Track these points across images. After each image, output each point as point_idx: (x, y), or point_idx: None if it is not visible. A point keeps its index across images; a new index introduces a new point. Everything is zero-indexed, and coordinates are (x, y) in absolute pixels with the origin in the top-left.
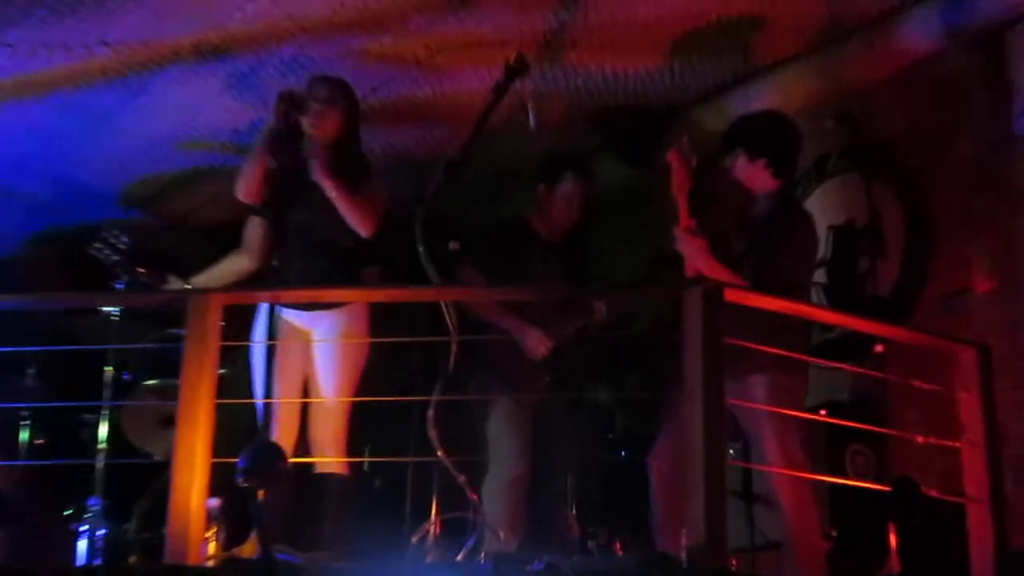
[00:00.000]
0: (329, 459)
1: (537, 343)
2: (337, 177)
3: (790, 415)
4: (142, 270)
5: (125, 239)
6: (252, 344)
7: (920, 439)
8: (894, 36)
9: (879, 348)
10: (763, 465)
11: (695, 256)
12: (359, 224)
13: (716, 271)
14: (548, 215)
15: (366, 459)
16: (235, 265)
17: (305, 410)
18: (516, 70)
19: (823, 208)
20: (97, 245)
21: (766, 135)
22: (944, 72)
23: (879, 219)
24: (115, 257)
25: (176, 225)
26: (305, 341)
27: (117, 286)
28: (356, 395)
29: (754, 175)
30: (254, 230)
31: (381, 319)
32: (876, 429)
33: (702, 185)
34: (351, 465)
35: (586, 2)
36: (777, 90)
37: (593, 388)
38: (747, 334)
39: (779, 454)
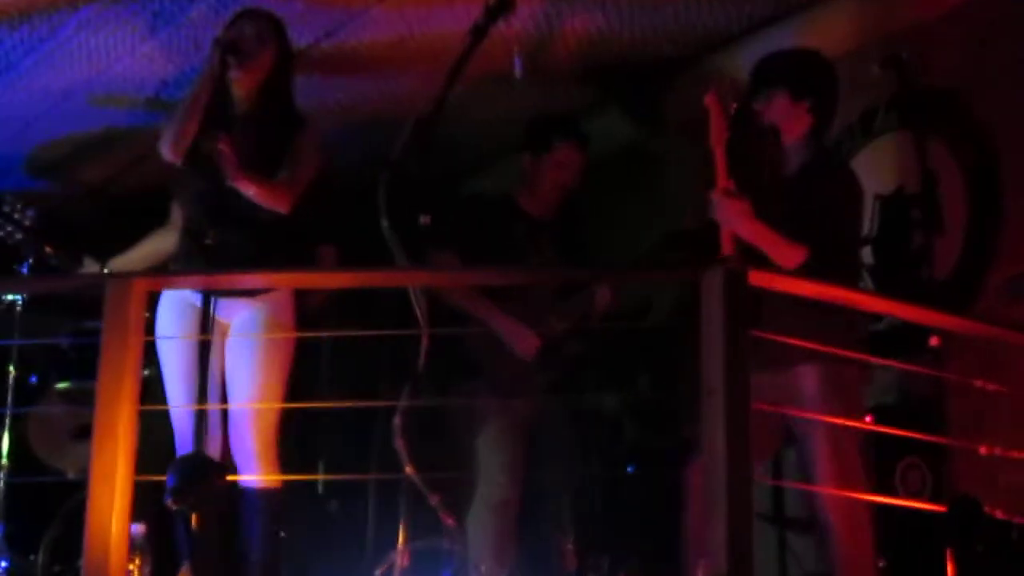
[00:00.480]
0: (259, 476)
1: (525, 343)
2: (260, 144)
3: (847, 414)
4: (51, 250)
5: (31, 213)
6: (159, 338)
7: (983, 450)
8: None
9: (935, 341)
10: (808, 483)
11: (738, 222)
12: (276, 205)
13: (766, 240)
14: (536, 189)
15: (319, 476)
16: (161, 244)
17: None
18: (498, 8)
19: (868, 173)
20: None
21: (812, 73)
22: (1015, 5)
23: (935, 186)
24: (18, 235)
25: (92, 195)
26: (222, 333)
27: (21, 270)
28: (290, 398)
29: (794, 121)
30: (177, 203)
31: (334, 309)
32: (932, 439)
33: (740, 138)
34: (302, 485)
35: None
36: (811, 31)
37: (597, 392)
38: (789, 318)
39: (832, 462)
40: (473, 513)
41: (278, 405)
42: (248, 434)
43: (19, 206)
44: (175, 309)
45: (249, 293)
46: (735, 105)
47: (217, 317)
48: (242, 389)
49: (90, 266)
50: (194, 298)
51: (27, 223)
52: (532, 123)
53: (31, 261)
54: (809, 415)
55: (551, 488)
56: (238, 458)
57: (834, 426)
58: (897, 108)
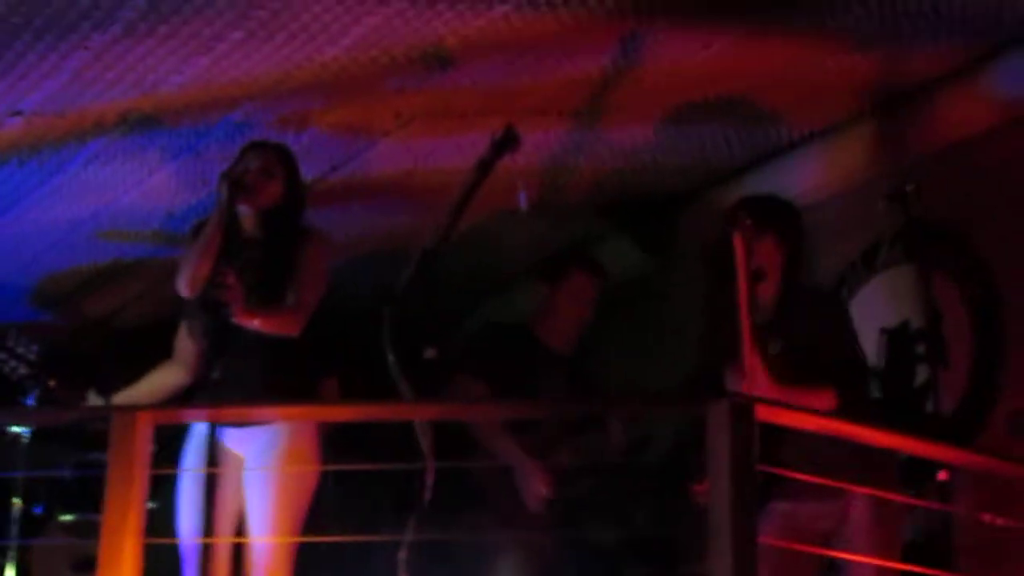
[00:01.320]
0: None
1: (540, 482)
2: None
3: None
4: (55, 384)
5: (35, 348)
6: (182, 472)
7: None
8: (957, 103)
9: (943, 475)
10: None
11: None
12: (285, 330)
13: (796, 398)
14: (553, 321)
15: None
16: (165, 379)
17: (239, 551)
18: (504, 144)
19: (874, 307)
20: (1, 355)
21: (794, 220)
22: (1018, 144)
23: (940, 320)
24: (22, 370)
25: (97, 327)
26: (238, 465)
27: (27, 402)
28: (303, 533)
29: (778, 260)
30: (188, 336)
31: (334, 438)
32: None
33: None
34: None
35: (587, 65)
36: (818, 165)
37: (598, 527)
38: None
39: None
40: None
41: (281, 539)
42: (264, 568)
43: (23, 340)
44: (194, 442)
45: (261, 422)
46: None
47: (232, 450)
48: (259, 521)
49: (94, 400)
50: (216, 432)
51: (31, 357)
52: (551, 255)
53: (37, 395)
54: (821, 551)
55: None
56: None
57: (886, 555)
58: (902, 242)
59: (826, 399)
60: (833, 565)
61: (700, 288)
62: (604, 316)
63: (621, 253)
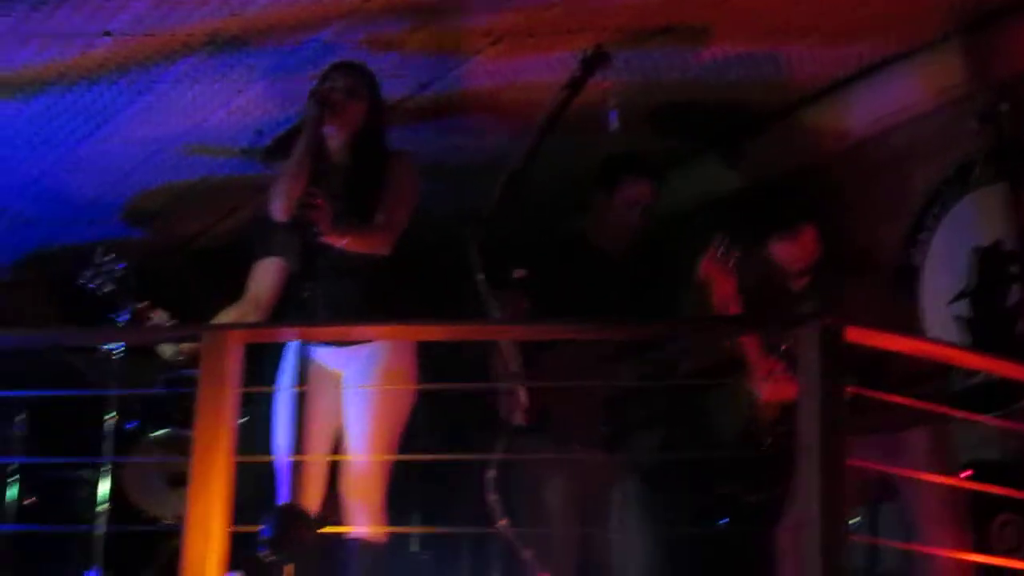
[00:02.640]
0: (364, 528)
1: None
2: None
3: (952, 471)
4: (139, 302)
5: (121, 265)
6: (277, 390)
7: None
8: None
9: None
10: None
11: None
12: (375, 249)
13: None
14: (607, 227)
15: (414, 529)
16: (238, 318)
17: (335, 468)
18: (594, 63)
19: (965, 226)
20: (87, 273)
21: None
22: None
23: None
24: (109, 286)
25: (186, 245)
26: (337, 384)
27: (120, 319)
28: (399, 449)
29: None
30: (265, 275)
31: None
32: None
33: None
34: (394, 536)
35: None
36: (910, 82)
37: (686, 440)
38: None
39: (942, 520)
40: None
41: (378, 457)
42: (359, 486)
43: (110, 257)
44: (291, 361)
45: (362, 341)
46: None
47: (330, 368)
48: (357, 439)
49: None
50: (308, 350)
51: (118, 274)
52: (603, 161)
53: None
54: (908, 473)
55: (634, 547)
56: (347, 508)
57: (945, 487)
58: (995, 161)
59: None
60: (888, 489)
61: None
62: (695, 236)
63: (711, 171)
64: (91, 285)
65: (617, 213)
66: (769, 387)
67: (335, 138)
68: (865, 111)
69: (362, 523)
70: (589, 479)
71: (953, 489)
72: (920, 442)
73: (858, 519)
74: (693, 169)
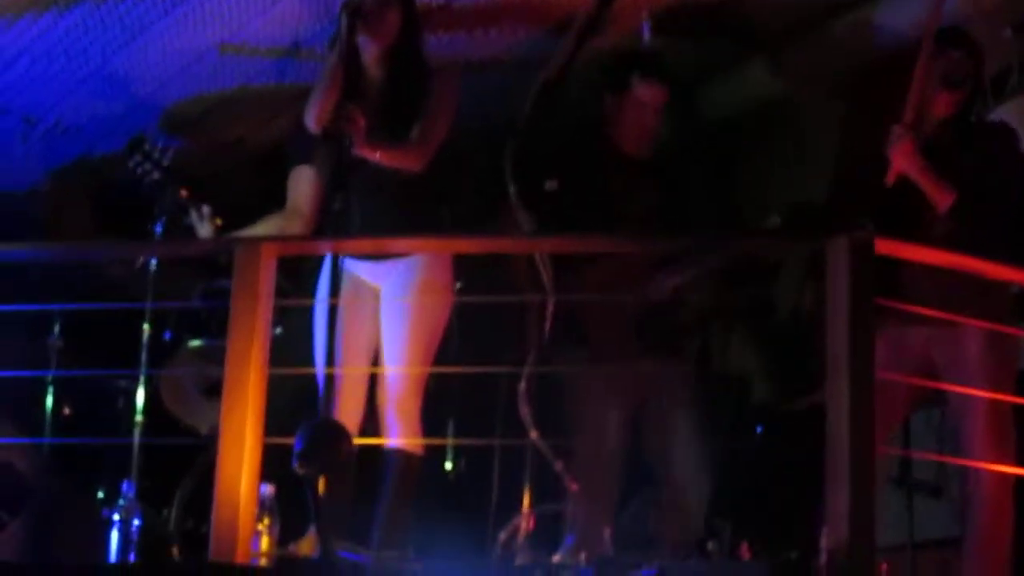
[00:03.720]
0: (401, 440)
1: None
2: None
3: (1006, 381)
4: (186, 192)
5: (169, 154)
6: (313, 303)
7: None
8: None
9: None
10: (954, 446)
11: (908, 159)
12: (408, 164)
13: (927, 179)
14: (621, 129)
15: (446, 441)
16: (277, 229)
17: (374, 380)
18: None
19: None
20: (136, 159)
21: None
22: None
23: None
24: (156, 174)
25: (227, 149)
26: (375, 297)
27: (155, 229)
28: (434, 362)
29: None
30: (302, 184)
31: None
32: None
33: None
34: (428, 446)
35: None
36: None
37: (721, 349)
38: (947, 275)
39: (989, 428)
40: (578, 469)
41: (412, 369)
42: (396, 397)
43: (159, 147)
44: (328, 274)
45: (400, 255)
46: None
47: (367, 281)
48: (394, 352)
49: (206, 224)
50: (344, 264)
51: (165, 163)
52: (612, 61)
53: (164, 216)
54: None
55: (672, 456)
56: (383, 420)
57: (997, 395)
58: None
59: (944, 198)
60: (939, 396)
61: (832, 117)
62: (738, 145)
63: (752, 79)
64: (139, 172)
65: (631, 115)
66: (899, 141)
67: (369, 50)
68: (901, 19)
69: (399, 434)
70: (633, 388)
71: (1005, 404)
72: (974, 345)
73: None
74: (733, 76)
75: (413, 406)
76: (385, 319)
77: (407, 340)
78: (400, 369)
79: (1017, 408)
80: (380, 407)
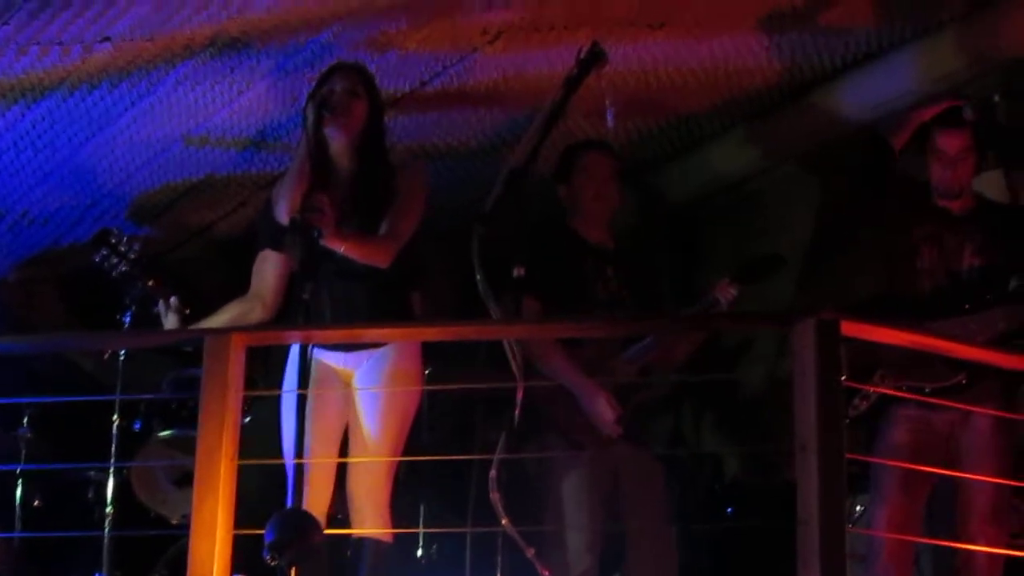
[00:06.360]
0: (371, 531)
1: (604, 411)
2: (362, 189)
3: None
4: (154, 283)
5: (136, 246)
6: (283, 392)
7: None
8: None
9: None
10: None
11: None
12: (375, 260)
13: None
14: (582, 212)
15: (418, 530)
16: (239, 316)
17: (342, 469)
18: (590, 61)
19: None
20: (103, 251)
21: None
22: None
23: None
24: (123, 267)
25: (194, 238)
26: (345, 385)
27: (124, 320)
28: (405, 449)
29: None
30: (267, 269)
31: (432, 357)
32: None
33: None
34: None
35: None
36: (907, 70)
37: (691, 426)
38: None
39: (991, 507)
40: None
41: (383, 459)
42: (367, 485)
43: (126, 239)
44: (296, 362)
45: (369, 345)
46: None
47: (335, 366)
48: (366, 441)
49: (173, 317)
50: (317, 352)
51: (132, 256)
52: (561, 153)
53: (135, 307)
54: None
55: (641, 538)
56: (353, 509)
57: (1004, 471)
58: (990, 149)
59: None
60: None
61: (807, 192)
62: (703, 223)
63: (717, 158)
64: (105, 265)
65: (587, 196)
66: None
67: (337, 140)
68: (864, 97)
69: (369, 523)
70: (606, 472)
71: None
72: (982, 423)
73: (860, 509)
74: (696, 157)
75: (384, 495)
76: (357, 408)
77: (379, 430)
78: (372, 459)
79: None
80: (350, 496)
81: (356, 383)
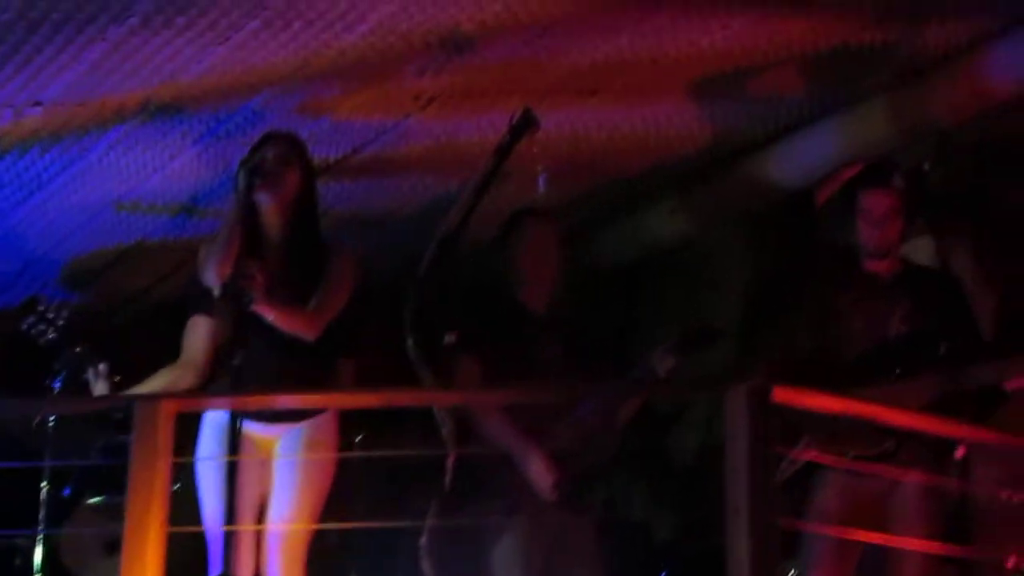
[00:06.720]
0: None
1: (545, 471)
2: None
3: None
4: (80, 348)
5: (64, 313)
6: (200, 460)
7: (1010, 563)
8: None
9: (960, 452)
10: None
11: None
12: (303, 332)
13: None
14: (527, 283)
15: None
16: (171, 382)
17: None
18: (522, 127)
19: None
20: (31, 319)
21: None
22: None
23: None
24: (51, 334)
25: (125, 304)
26: (266, 454)
27: (54, 385)
28: (338, 519)
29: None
30: (198, 335)
31: (359, 425)
32: (961, 551)
33: None
34: None
35: (603, 42)
36: (836, 138)
37: (624, 491)
38: None
39: (920, 573)
40: None
41: (310, 526)
42: (280, 552)
43: (54, 306)
44: (214, 429)
45: (291, 417)
46: None
47: (258, 434)
48: (281, 507)
49: (102, 382)
50: (225, 418)
51: (60, 323)
52: (500, 225)
53: (64, 373)
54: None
55: None
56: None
57: (931, 531)
58: (919, 215)
59: None
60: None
61: (741, 256)
62: (638, 291)
63: (649, 222)
64: (33, 332)
65: (528, 264)
66: None
67: (269, 208)
68: (794, 165)
69: None
70: (542, 540)
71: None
72: (915, 487)
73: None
74: (629, 222)
75: (299, 559)
76: (277, 479)
77: (299, 496)
78: (298, 525)
79: None
80: (264, 564)
81: (278, 451)
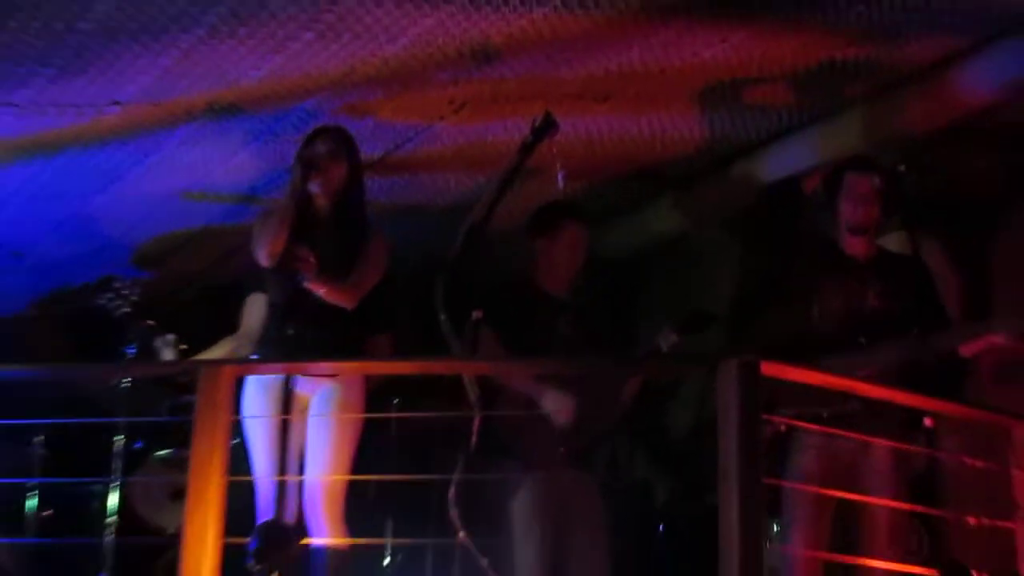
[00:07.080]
0: (345, 540)
1: (558, 403)
2: (340, 236)
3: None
4: (152, 322)
5: (137, 290)
6: (251, 416)
7: (972, 520)
8: (951, 85)
9: (929, 422)
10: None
11: None
12: (343, 302)
13: None
14: (551, 269)
15: (383, 540)
16: (231, 351)
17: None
18: (544, 128)
19: None
20: (108, 295)
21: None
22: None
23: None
24: (124, 309)
25: (191, 282)
26: (303, 408)
27: (128, 351)
28: (376, 471)
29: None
30: (255, 310)
31: (397, 388)
32: (927, 510)
33: None
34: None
35: (616, 55)
36: (814, 144)
37: (627, 456)
38: None
39: (888, 528)
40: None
41: (350, 477)
42: (321, 500)
43: (128, 284)
44: (260, 388)
45: (325, 377)
46: None
47: (298, 391)
48: (317, 460)
49: (169, 349)
50: (278, 379)
51: (134, 299)
52: (541, 210)
53: (136, 343)
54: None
55: (584, 557)
56: (311, 522)
57: (898, 495)
58: (894, 214)
59: None
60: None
61: (733, 249)
62: (642, 279)
63: (652, 218)
64: (108, 306)
65: (560, 256)
66: None
67: (320, 195)
68: (782, 168)
69: (324, 533)
70: (554, 495)
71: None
72: (880, 453)
73: (776, 529)
74: (634, 217)
75: (338, 507)
76: (311, 432)
77: (327, 450)
78: (341, 477)
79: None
80: (306, 509)
81: (312, 408)
